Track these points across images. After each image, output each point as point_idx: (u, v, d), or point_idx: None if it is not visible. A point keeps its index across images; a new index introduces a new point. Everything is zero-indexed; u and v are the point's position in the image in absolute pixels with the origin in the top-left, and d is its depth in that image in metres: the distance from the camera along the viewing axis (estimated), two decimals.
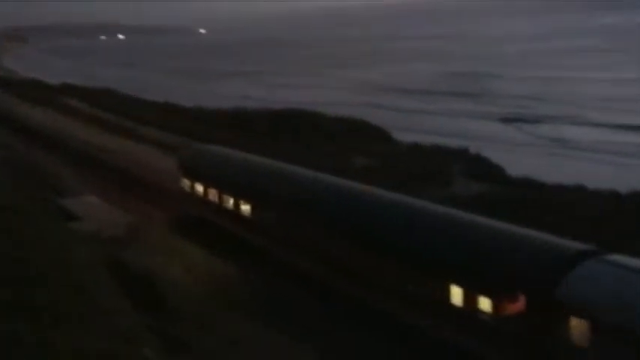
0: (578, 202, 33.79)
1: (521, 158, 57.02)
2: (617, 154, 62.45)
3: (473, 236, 20.20)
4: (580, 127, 79.59)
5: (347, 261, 23.46)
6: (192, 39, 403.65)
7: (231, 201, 29.96)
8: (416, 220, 22.15)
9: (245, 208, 29.22)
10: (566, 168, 52.78)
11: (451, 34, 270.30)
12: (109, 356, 15.19)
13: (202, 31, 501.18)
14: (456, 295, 19.28)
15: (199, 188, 32.60)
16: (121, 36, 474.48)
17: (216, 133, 53.24)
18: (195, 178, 33.09)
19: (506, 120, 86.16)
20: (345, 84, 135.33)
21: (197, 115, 66.63)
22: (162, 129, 59.23)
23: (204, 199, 32.13)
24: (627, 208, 33.36)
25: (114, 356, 15.25)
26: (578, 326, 16.52)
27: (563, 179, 39.84)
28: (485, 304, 18.58)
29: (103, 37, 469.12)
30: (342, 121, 58.00)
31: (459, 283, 19.27)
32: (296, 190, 27.18)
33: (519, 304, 18.00)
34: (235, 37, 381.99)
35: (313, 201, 25.91)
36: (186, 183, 33.85)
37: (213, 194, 31.41)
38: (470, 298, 18.90)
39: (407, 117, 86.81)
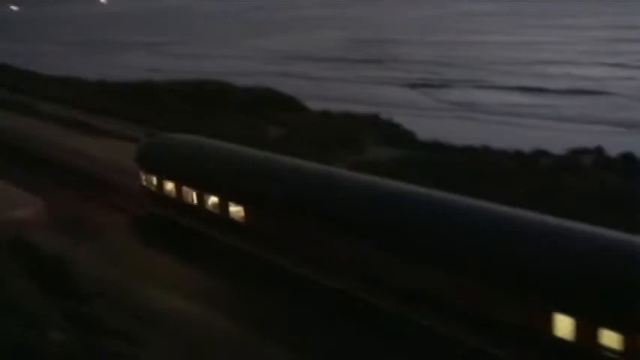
0: (486, 162, 34.97)
1: (431, 123, 58.35)
2: (519, 115, 64.91)
3: (588, 250, 15.65)
4: (484, 90, 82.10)
5: (390, 277, 18.84)
6: (93, 8, 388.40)
7: (217, 203, 24.65)
8: (501, 229, 17.23)
9: (235, 210, 23.91)
10: (473, 130, 54.46)
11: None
12: (14, 342, 14.59)
13: (103, 0, 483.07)
14: (564, 326, 15.26)
15: (169, 186, 27.12)
16: (14, 7, 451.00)
17: (126, 107, 51.68)
18: (163, 174, 27.48)
19: (414, 85, 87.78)
20: (254, 53, 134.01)
21: (101, 90, 64.33)
22: (64, 104, 56.90)
23: (176, 200, 26.65)
24: (530, 166, 34.90)
25: (20, 342, 14.67)
26: None
27: (471, 141, 41.09)
28: (610, 338, 14.57)
29: None
30: (253, 91, 57.47)
31: (568, 311, 15.16)
32: (314, 188, 21.94)
33: None
34: (138, 6, 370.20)
35: (338, 203, 20.72)
36: (150, 180, 28.09)
37: (190, 195, 25.98)
38: (585, 331, 14.85)
39: (317, 85, 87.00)
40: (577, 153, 38.58)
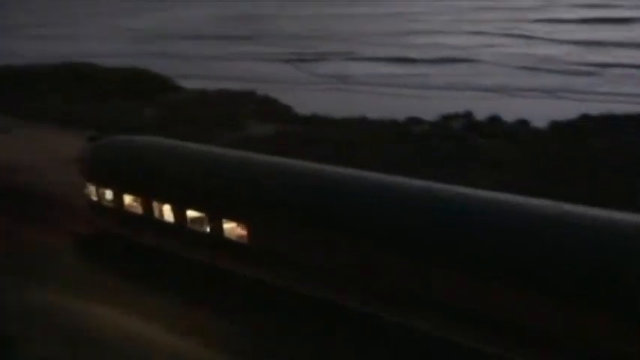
0: (363, 132, 35.73)
1: (307, 96, 58.80)
2: (392, 85, 66.60)
3: None
4: (358, 62, 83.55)
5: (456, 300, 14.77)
6: None
7: (204, 220, 20.11)
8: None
9: (232, 227, 19.49)
10: (349, 102, 55.31)
11: None
12: None
13: None
14: None
15: (133, 202, 22.33)
16: None
17: None
18: (122, 186, 22.53)
19: (288, 60, 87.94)
20: (123, 33, 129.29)
21: None
22: None
23: (144, 218, 21.88)
24: (404, 134, 36.08)
25: None
26: None
27: (348, 113, 41.84)
28: None
29: None
30: (124, 73, 55.51)
31: None
32: (339, 197, 17.36)
33: None
34: None
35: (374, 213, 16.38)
36: (103, 193, 23.16)
37: (163, 211, 21.32)
38: None
39: (190, 63, 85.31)
40: (448, 118, 40.17)
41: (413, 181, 17.20)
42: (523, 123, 37.86)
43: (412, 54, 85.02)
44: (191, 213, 20.40)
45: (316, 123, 39.65)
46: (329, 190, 17.57)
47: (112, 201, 22.75)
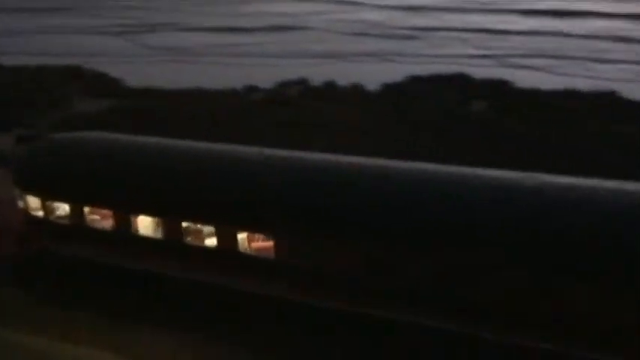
0: (201, 103, 35.09)
1: (139, 69, 56.60)
2: (226, 55, 65.78)
3: None
4: (188, 32, 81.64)
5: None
6: None
7: (208, 233, 16.28)
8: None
9: (246, 239, 15.83)
10: (183, 74, 53.95)
11: None
12: None
13: None
14: None
15: (95, 216, 18.02)
16: None
17: None
18: (82, 197, 17.94)
19: (117, 33, 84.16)
20: None
21: None
22: None
23: (116, 235, 17.50)
24: (243, 103, 35.97)
25: None
26: None
27: (182, 85, 40.94)
28: None
29: None
30: None
31: None
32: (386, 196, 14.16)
33: None
34: None
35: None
36: (50, 207, 18.51)
37: (144, 226, 17.15)
38: None
39: (4, 38, 79.10)
40: (284, 86, 40.51)
41: (491, 174, 14.07)
42: (356, 87, 38.99)
43: (243, 23, 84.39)
44: (186, 227, 16.51)
45: (151, 97, 38.38)
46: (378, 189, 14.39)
47: (67, 216, 18.22)
